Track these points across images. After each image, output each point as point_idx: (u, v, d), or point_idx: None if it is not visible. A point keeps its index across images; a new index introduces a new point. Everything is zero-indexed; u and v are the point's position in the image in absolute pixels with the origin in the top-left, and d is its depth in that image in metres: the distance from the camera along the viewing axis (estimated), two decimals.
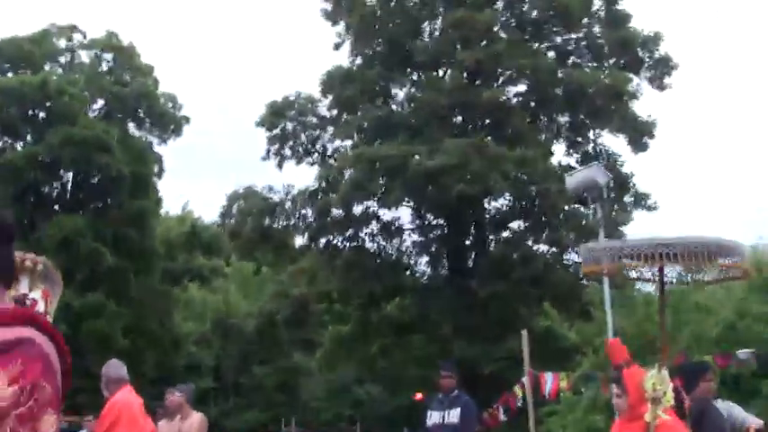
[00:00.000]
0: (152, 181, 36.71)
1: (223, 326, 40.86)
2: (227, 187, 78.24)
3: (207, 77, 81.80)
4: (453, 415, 9.34)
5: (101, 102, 36.74)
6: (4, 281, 1.98)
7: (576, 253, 26.00)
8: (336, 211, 27.45)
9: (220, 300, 44.40)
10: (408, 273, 29.75)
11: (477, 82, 28.54)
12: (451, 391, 9.52)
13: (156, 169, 37.11)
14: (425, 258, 30.35)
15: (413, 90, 29.66)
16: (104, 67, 37.48)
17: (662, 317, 7.00)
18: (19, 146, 35.00)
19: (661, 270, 7.67)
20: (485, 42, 27.72)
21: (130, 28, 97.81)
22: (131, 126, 37.28)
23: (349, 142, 30.40)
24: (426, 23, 30.74)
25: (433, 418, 9.52)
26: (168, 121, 37.30)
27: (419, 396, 22.86)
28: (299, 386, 40.06)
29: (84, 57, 37.64)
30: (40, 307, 10.85)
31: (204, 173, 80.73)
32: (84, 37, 37.25)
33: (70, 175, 35.36)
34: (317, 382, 39.17)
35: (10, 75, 34.73)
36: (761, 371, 12.93)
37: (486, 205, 28.85)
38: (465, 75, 28.14)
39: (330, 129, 30.65)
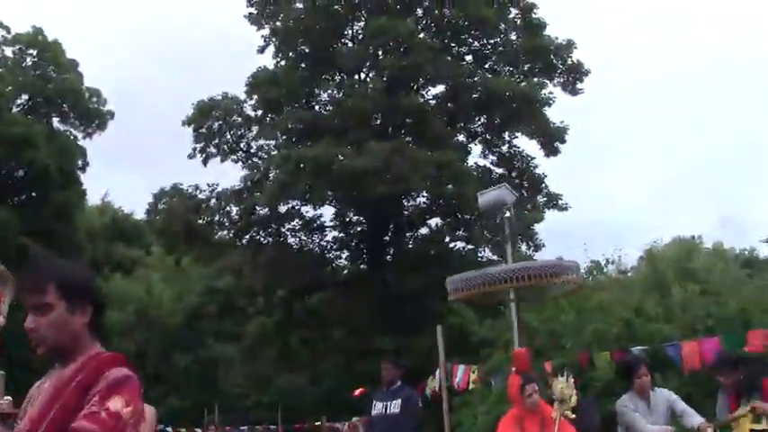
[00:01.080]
0: (77, 174, 36.88)
1: (146, 316, 41.18)
2: (146, 176, 78.53)
3: (134, 75, 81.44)
4: (395, 405, 9.87)
5: (24, 96, 36.73)
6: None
7: (491, 251, 27.43)
8: (262, 210, 28.26)
9: (143, 289, 44.57)
10: (330, 268, 30.70)
11: (399, 87, 29.59)
12: (393, 383, 10.05)
13: (80, 163, 37.23)
14: (346, 254, 31.42)
15: (337, 93, 30.55)
16: (28, 61, 37.36)
17: (520, 329, 8.47)
18: None
19: (517, 291, 9.46)
20: (405, 49, 28.74)
21: (55, 23, 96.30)
22: (56, 121, 37.34)
23: (273, 142, 31.27)
24: (349, 29, 31.70)
25: (377, 408, 10.09)
26: (93, 116, 37.46)
27: (359, 391, 23.89)
28: (221, 375, 40.69)
29: (8, 52, 37.46)
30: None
31: (122, 163, 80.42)
32: (9, 32, 37.13)
33: None
34: (237, 371, 39.94)
35: None
36: (652, 365, 14.19)
37: (405, 203, 29.97)
38: (386, 80, 29.15)
39: (255, 128, 31.44)
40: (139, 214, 50.28)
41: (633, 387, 8.02)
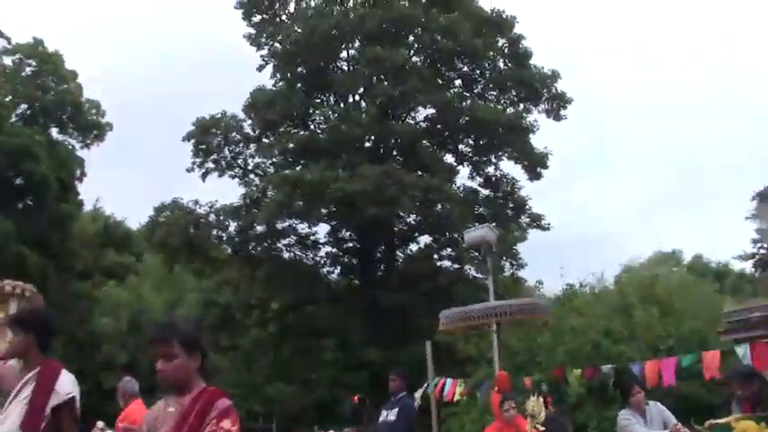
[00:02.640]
0: (74, 185, 38.64)
1: (138, 323, 42.91)
2: (137, 184, 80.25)
3: (134, 89, 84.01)
4: (393, 413, 11.05)
5: (24, 106, 38.50)
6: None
7: (476, 270, 29.59)
8: (259, 227, 30.25)
9: (134, 297, 46.19)
10: (322, 283, 32.71)
11: (390, 113, 31.75)
12: (397, 394, 11.27)
13: (78, 173, 38.97)
14: (338, 269, 33.53)
15: (332, 116, 32.60)
16: (28, 72, 39.11)
17: (501, 350, 10.77)
18: None
19: (498, 325, 12.09)
20: (398, 76, 30.85)
21: (56, 35, 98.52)
22: (54, 131, 39.11)
23: (270, 160, 33.37)
24: (345, 51, 33.80)
25: (382, 415, 11.33)
26: (91, 127, 39.30)
27: (356, 399, 25.82)
28: (214, 384, 42.50)
29: (8, 61, 39.21)
30: None
31: (113, 170, 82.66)
32: (9, 42, 38.92)
33: None
34: (230, 381, 41.73)
35: None
36: (617, 382, 16.02)
37: (395, 222, 32.06)
38: (379, 105, 31.29)
39: (252, 146, 33.50)
40: (131, 222, 52.18)
41: (630, 404, 9.21)
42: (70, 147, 39.40)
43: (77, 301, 36.76)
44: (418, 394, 14.29)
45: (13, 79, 38.43)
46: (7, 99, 37.04)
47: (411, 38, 33.78)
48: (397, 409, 11.13)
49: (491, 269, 15.00)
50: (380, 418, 11.51)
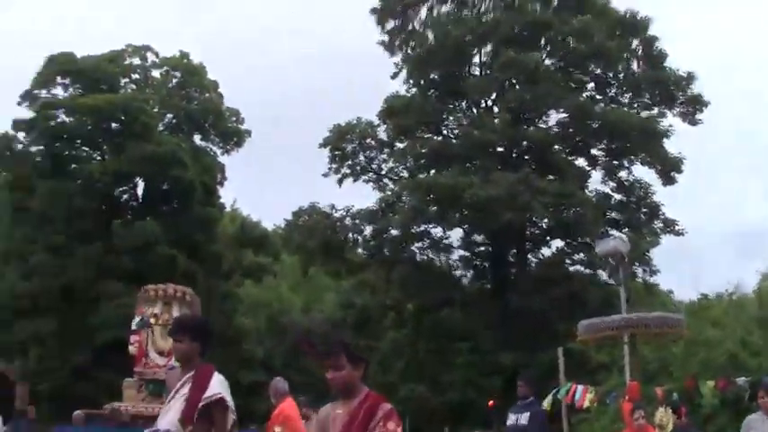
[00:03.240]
0: (216, 189, 40.71)
1: (276, 322, 44.79)
2: (271, 186, 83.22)
3: (270, 97, 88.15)
4: (524, 418, 11.08)
5: (169, 115, 40.83)
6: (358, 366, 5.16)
7: (608, 275, 29.79)
8: (394, 230, 31.33)
9: (272, 296, 48.07)
10: (455, 286, 33.53)
11: (523, 118, 32.23)
12: (526, 398, 11.39)
13: (219, 178, 41.01)
14: (471, 272, 34.27)
15: (464, 121, 33.34)
16: (174, 83, 41.43)
17: (635, 358, 11.37)
18: (97, 158, 39.09)
19: (632, 336, 12.69)
20: (530, 80, 31.32)
21: (198, 46, 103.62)
22: (197, 138, 41.28)
23: (403, 165, 34.37)
24: (477, 56, 34.47)
25: (510, 419, 11.53)
26: (231, 134, 41.27)
27: (491, 403, 26.60)
28: None
29: (156, 74, 41.65)
30: None
31: (249, 171, 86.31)
32: (157, 56, 41.38)
33: (142, 185, 39.52)
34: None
35: (85, 92, 38.69)
36: (753, 396, 15.97)
37: (528, 226, 32.52)
38: (511, 111, 31.80)
39: (386, 151, 34.60)
40: (266, 222, 54.14)
41: (760, 408, 9.23)
42: (212, 153, 41.50)
43: (222, 301, 38.55)
44: (547, 400, 14.23)
45: (160, 91, 40.80)
46: (155, 109, 39.29)
47: (543, 41, 34.13)
48: (528, 414, 11.25)
49: (623, 281, 15.36)
50: (509, 422, 11.74)
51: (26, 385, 36.50)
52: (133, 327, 19.70)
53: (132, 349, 19.82)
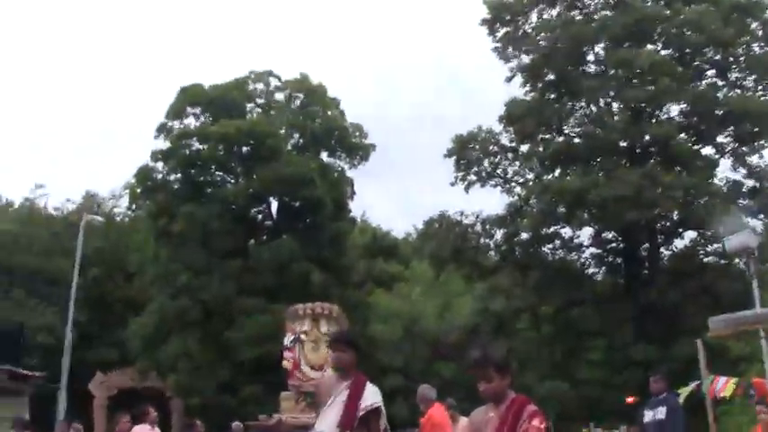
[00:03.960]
0: (346, 203, 42.16)
1: (411, 330, 45.93)
2: (397, 194, 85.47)
3: (390, 110, 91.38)
4: (661, 412, 11.73)
5: (296, 135, 42.52)
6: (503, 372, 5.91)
7: (745, 265, 29.71)
8: (524, 234, 32.03)
9: (404, 303, 49.17)
10: (588, 284, 33.95)
11: (643, 114, 32.41)
12: (660, 394, 12.00)
13: (348, 192, 42.44)
14: (603, 269, 34.65)
15: (585, 121, 33.77)
16: (297, 104, 43.16)
17: None
18: (231, 182, 41.14)
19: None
20: (646, 77, 31.46)
21: (318, 67, 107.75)
22: (324, 155, 42.86)
23: (528, 166, 35.02)
24: (591, 54, 34.84)
25: (647, 416, 12.06)
26: (356, 149, 42.70)
27: (631, 399, 27.03)
28: None
29: (279, 97, 43.46)
30: None
31: (375, 181, 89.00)
32: (279, 80, 43.26)
33: (275, 204, 41.37)
34: None
35: (215, 120, 40.74)
36: None
37: (657, 222, 32.58)
38: (631, 108, 32.01)
39: (510, 155, 35.35)
40: (397, 231, 55.52)
41: None
42: (340, 169, 43.01)
43: (355, 311, 39.90)
44: (685, 393, 14.49)
45: (284, 112, 42.57)
46: (281, 131, 41.02)
47: (656, 35, 34.14)
48: (665, 408, 11.81)
49: (755, 274, 15.61)
50: (645, 419, 12.25)
51: (180, 400, 38.84)
52: (286, 344, 21.12)
53: (286, 364, 21.25)
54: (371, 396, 6.60)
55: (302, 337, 20.67)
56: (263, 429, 20.59)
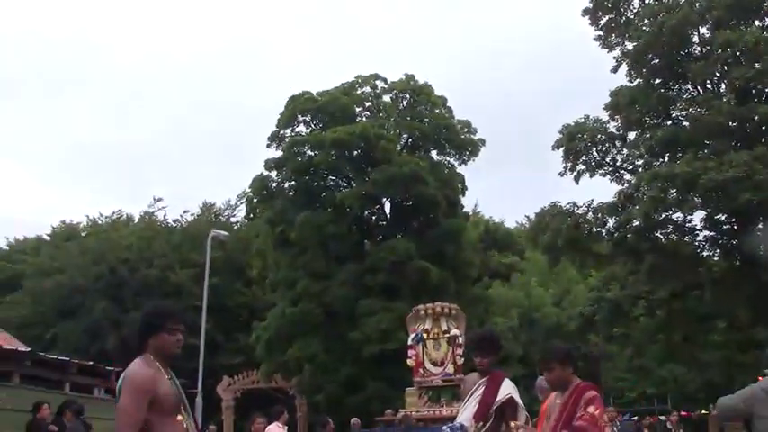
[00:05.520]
0: (459, 199, 43.18)
1: (529, 318, 46.82)
2: (505, 185, 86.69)
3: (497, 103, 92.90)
4: None
5: (405, 136, 43.76)
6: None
7: None
8: (636, 221, 32.38)
9: (521, 293, 50.08)
10: (704, 267, 34.08)
11: (751, 95, 32.32)
12: None
13: (459, 187, 43.44)
14: (718, 251, 34.72)
15: (692, 106, 33.84)
16: (404, 104, 44.37)
17: None
18: (344, 186, 42.69)
19: None
20: (753, 56, 31.39)
21: (423, 67, 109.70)
22: (434, 153, 43.97)
23: (637, 153, 35.28)
24: (696, 36, 34.87)
25: None
26: (465, 145, 43.67)
27: (760, 378, 27.38)
28: (603, 369, 45.33)
29: (386, 98, 44.74)
30: (460, 338, 18.58)
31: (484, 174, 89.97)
32: (386, 82, 44.53)
33: (389, 205, 42.74)
34: (621, 366, 44.32)
35: (325, 126, 42.25)
36: None
37: None
38: (738, 90, 31.97)
39: (618, 143, 35.70)
40: (509, 223, 56.29)
41: None
42: (450, 166, 44.06)
43: (474, 305, 40.88)
44: None
45: (392, 114, 43.87)
46: (391, 132, 42.30)
47: (762, 11, 33.97)
48: None
49: None
50: None
51: (304, 399, 40.62)
52: (410, 342, 22.33)
53: (410, 362, 22.51)
54: (506, 389, 7.43)
55: (424, 335, 21.81)
56: (389, 423, 21.83)
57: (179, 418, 4.99)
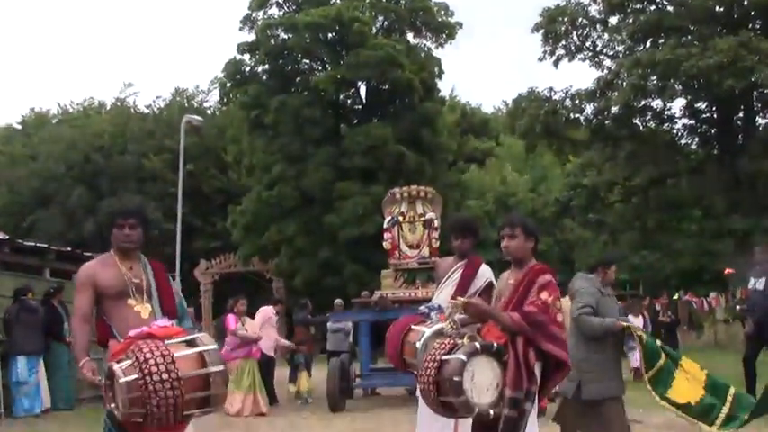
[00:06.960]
0: (435, 84, 42.40)
1: (504, 203, 46.62)
2: (484, 68, 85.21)
3: None
4: (761, 283, 12.25)
5: (380, 18, 42.61)
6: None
7: None
8: (614, 108, 31.99)
9: (497, 178, 49.81)
10: (681, 155, 33.90)
11: None
12: (764, 263, 12.51)
13: (436, 71, 42.59)
14: (696, 140, 34.49)
15: None
16: None
17: None
18: (318, 69, 41.72)
19: None
20: None
21: None
22: (410, 37, 42.96)
23: (618, 38, 34.53)
24: None
25: (750, 283, 12.69)
26: (442, 28, 42.66)
27: (728, 270, 27.47)
28: (577, 256, 45.55)
29: None
30: (435, 222, 18.22)
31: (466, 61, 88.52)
32: None
33: (364, 89, 41.90)
34: (595, 253, 44.49)
35: (299, 8, 41.04)
36: None
37: (755, 91, 32.04)
38: None
39: (599, 27, 34.93)
40: (486, 107, 55.52)
41: None
42: (427, 49, 43.08)
43: (449, 189, 40.57)
44: None
45: None
46: (366, 15, 41.13)
47: None
48: (764, 279, 12.24)
49: None
50: (749, 285, 12.85)
51: (281, 281, 40.70)
52: (385, 225, 22.05)
53: (386, 244, 22.20)
54: (484, 274, 7.15)
55: (400, 218, 21.56)
56: (365, 305, 21.72)
57: (129, 302, 5.45)
